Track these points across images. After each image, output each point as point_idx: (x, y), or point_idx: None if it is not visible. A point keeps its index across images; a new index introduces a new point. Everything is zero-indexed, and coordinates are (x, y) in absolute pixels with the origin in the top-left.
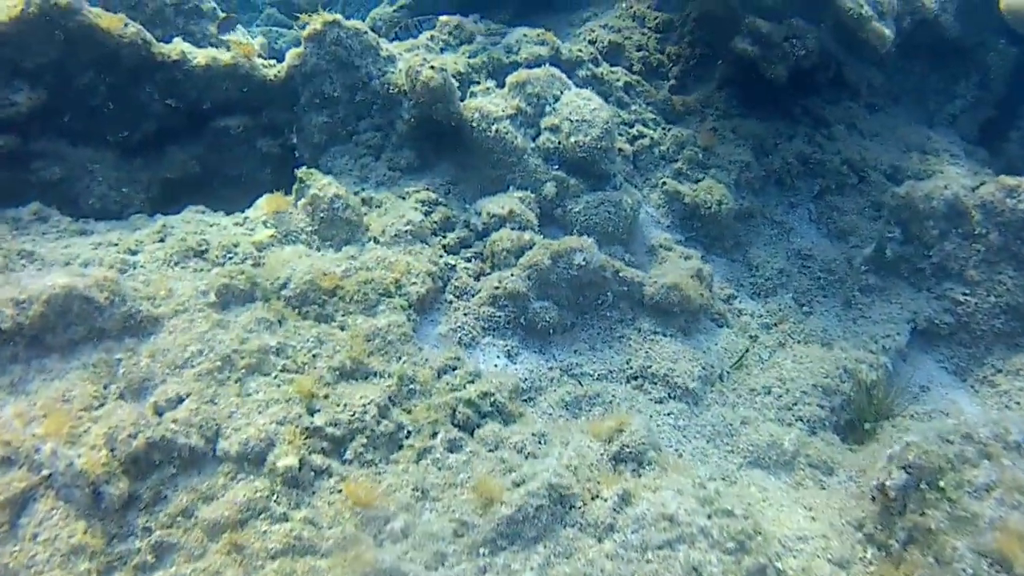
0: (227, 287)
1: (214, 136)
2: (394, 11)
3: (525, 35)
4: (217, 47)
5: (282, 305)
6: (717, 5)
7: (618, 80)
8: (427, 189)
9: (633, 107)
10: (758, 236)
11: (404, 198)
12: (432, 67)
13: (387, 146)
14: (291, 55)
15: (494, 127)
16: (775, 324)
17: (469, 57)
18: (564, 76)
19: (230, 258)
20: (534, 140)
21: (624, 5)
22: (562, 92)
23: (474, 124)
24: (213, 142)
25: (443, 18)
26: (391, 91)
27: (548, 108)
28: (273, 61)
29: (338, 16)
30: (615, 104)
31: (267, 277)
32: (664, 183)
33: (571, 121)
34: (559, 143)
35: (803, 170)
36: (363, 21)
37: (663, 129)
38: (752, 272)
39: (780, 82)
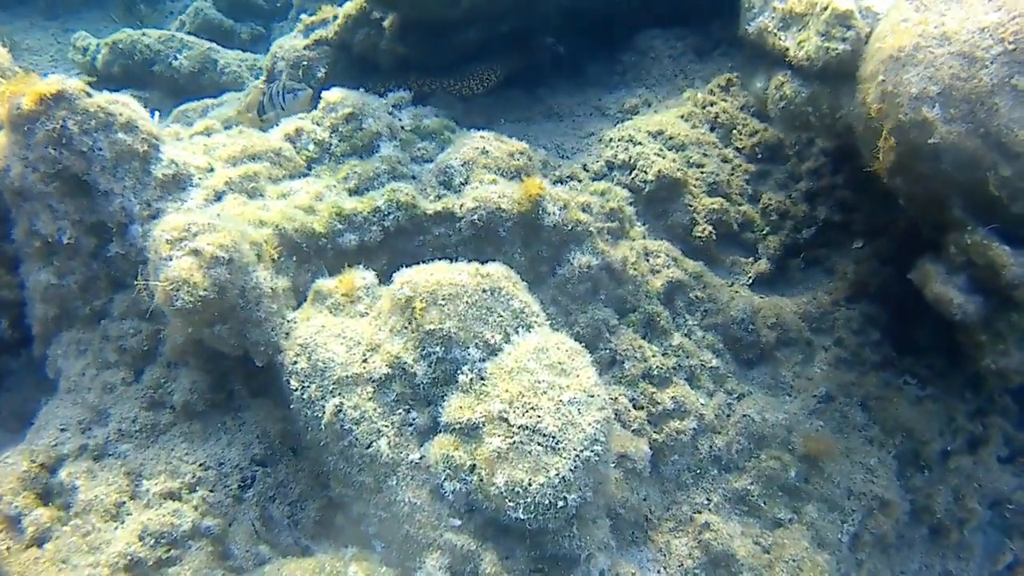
0: None
1: None
2: (306, 47)
3: (484, 151)
4: None
5: None
6: (908, 184)
7: (655, 275)
8: (194, 489)
9: (675, 338)
10: None
11: (138, 502)
12: (194, 253)
13: (155, 356)
14: None
15: (333, 402)
16: None
17: (353, 191)
18: (522, 295)
19: None
20: (422, 445)
21: (700, 96)
22: (508, 336)
23: (294, 383)
24: None
25: (329, 96)
26: None
27: (468, 372)
28: None
29: (72, 83)
30: (642, 327)
31: None
32: (708, 526)
33: (509, 425)
34: (472, 469)
35: (988, 516)
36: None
37: (726, 396)
38: None
39: (1006, 383)
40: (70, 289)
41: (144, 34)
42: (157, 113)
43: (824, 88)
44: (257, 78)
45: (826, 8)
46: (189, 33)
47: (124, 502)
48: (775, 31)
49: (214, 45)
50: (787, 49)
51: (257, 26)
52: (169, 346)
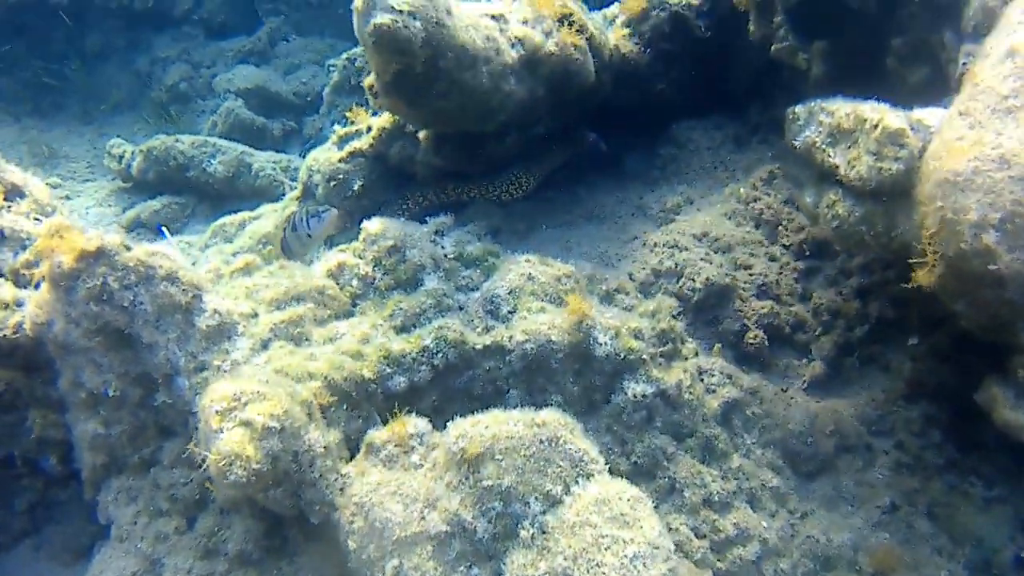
0: None
1: None
2: (340, 160)
3: (530, 277)
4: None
5: None
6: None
7: (711, 395)
8: None
9: (734, 460)
10: None
11: None
12: (246, 424)
13: (207, 504)
14: (35, 303)
15: (392, 564)
16: None
17: (400, 329)
18: (579, 442)
19: None
20: None
21: (743, 191)
22: (568, 486)
23: (352, 544)
24: None
25: (370, 228)
26: None
27: (529, 527)
28: (28, 295)
29: (111, 239)
30: (701, 451)
31: None
32: None
33: None
34: None
35: None
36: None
37: (788, 515)
38: None
39: None
40: (118, 439)
41: (178, 140)
42: (166, 229)
43: (878, 207)
44: (293, 180)
45: (876, 126)
46: (222, 134)
47: None
48: (823, 147)
49: (247, 148)
50: (837, 166)
51: (289, 121)
52: (221, 496)
